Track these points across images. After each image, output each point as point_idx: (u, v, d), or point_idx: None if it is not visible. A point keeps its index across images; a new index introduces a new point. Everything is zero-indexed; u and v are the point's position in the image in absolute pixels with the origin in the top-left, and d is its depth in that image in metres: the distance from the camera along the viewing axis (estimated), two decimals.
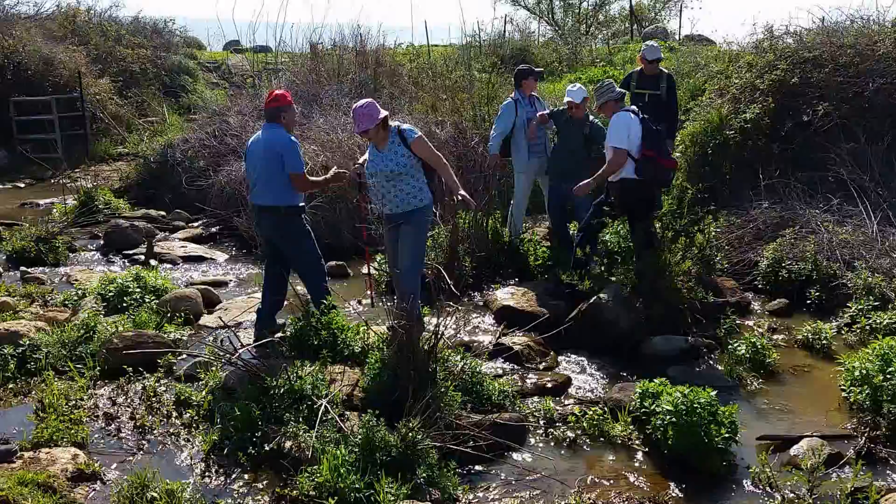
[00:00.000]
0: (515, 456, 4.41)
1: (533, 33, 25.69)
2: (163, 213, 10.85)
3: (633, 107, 6.50)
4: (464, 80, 11.58)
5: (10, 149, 15.35)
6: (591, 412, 4.77)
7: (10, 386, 5.24)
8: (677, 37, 22.51)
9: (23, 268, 8.09)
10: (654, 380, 4.77)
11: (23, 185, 13.88)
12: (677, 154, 8.70)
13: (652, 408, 4.55)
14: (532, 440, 4.65)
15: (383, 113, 5.49)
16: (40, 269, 8.17)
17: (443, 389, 4.52)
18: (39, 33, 18.10)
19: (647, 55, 8.40)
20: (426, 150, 5.58)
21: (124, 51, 19.21)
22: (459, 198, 5.61)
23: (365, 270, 7.58)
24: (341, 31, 14.37)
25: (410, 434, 4.04)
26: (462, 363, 4.99)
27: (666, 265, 6.17)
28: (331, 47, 14.20)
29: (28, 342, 5.58)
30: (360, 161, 5.93)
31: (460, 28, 14.97)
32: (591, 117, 7.47)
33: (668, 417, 4.34)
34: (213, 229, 10.05)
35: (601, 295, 6.16)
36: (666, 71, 8.71)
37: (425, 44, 16.44)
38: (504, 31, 16.11)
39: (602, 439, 4.61)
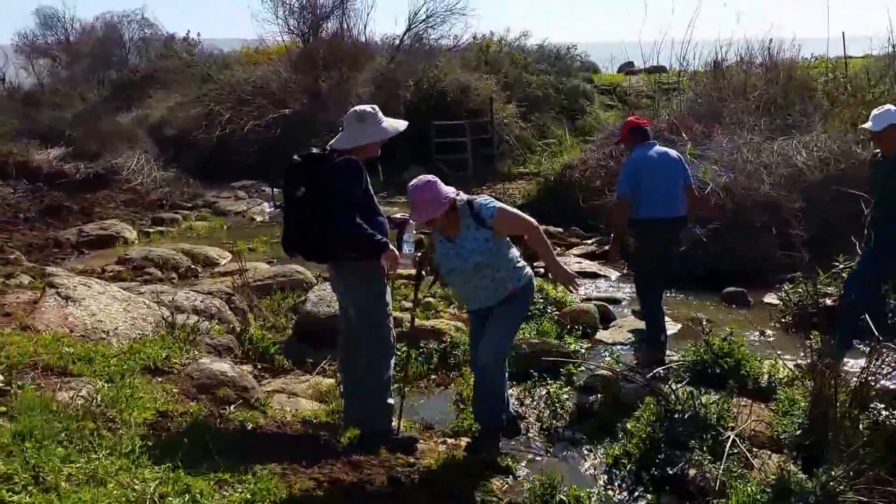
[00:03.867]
0: None
1: None
2: (560, 229, 11.41)
3: None
4: (890, 94, 10.23)
5: (430, 167, 17.51)
6: None
7: (433, 377, 5.88)
8: None
9: None
10: None
11: None
12: None
13: None
14: None
15: (450, 192, 4.23)
16: None
17: (866, 440, 4.01)
18: (458, 63, 20.42)
19: None
20: (511, 224, 4.36)
21: (529, 78, 20.73)
22: (558, 283, 4.64)
23: (768, 299, 7.11)
24: (749, 46, 13.65)
25: (832, 483, 3.66)
26: (890, 413, 4.38)
27: None
28: (736, 62, 13.62)
29: (449, 339, 6.20)
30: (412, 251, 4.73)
31: (888, 38, 13.21)
32: None
33: None
34: (606, 247, 10.25)
35: None
36: None
37: (841, 56, 14.93)
38: None
39: None
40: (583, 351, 6.23)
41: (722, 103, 11.51)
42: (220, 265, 9.33)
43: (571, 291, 4.69)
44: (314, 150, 4.43)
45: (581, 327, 6.64)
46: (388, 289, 4.50)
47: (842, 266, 6.78)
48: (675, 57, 15.25)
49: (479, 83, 19.03)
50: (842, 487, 3.66)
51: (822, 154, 8.65)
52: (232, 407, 4.58)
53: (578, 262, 9.61)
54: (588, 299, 7.76)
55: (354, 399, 4.50)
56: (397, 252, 4.37)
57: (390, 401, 4.48)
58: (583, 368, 5.73)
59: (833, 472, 3.70)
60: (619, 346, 6.44)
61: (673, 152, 6.25)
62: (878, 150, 5.64)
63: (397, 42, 21.74)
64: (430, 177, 4.23)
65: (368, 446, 4.24)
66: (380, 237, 4.20)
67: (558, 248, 10.42)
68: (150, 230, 12.49)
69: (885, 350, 4.52)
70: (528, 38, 23.87)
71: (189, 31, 29.18)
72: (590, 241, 10.77)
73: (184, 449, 3.65)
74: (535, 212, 12.28)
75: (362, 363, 4.39)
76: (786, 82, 11.99)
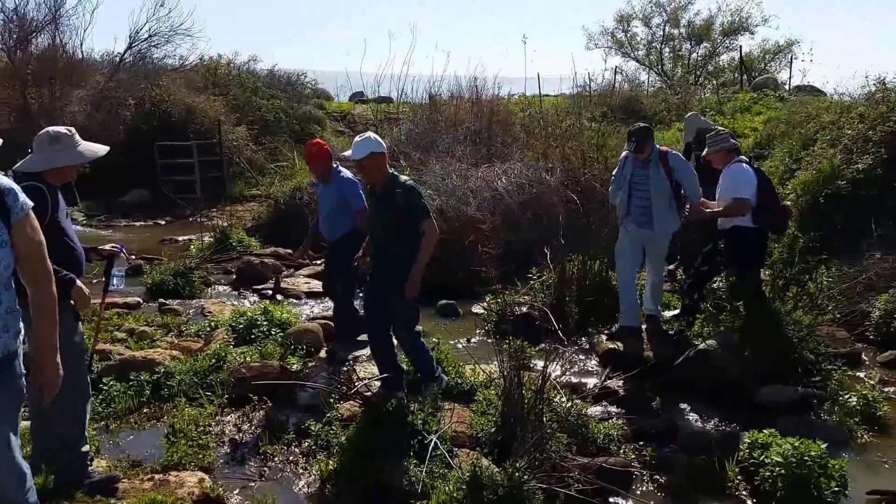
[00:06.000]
0: (620, 501, 4.42)
1: (642, 83, 26.12)
2: (290, 251, 11.47)
3: (744, 157, 6.47)
4: (573, 129, 11.81)
5: (154, 189, 16.73)
6: (697, 460, 4.76)
7: (145, 410, 5.55)
8: (787, 87, 22.16)
9: (161, 299, 8.70)
10: (764, 430, 4.71)
11: (163, 223, 15.06)
12: (788, 202, 8.58)
13: (761, 458, 4.50)
14: (637, 486, 4.65)
15: None
16: (177, 301, 8.78)
17: (549, 431, 4.56)
18: (184, 84, 19.76)
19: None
20: (31, 246, 2.92)
21: (260, 101, 20.65)
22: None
23: (476, 310, 7.83)
24: (458, 82, 15.07)
25: (517, 474, 4.06)
26: (568, 405, 5.05)
27: (777, 314, 6.07)
28: (448, 98, 14.82)
29: (163, 370, 5.93)
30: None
31: (572, 79, 15.43)
32: (400, 178, 5.21)
33: (777, 469, 4.29)
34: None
35: (709, 342, 6.11)
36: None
37: (537, 94, 16.93)
38: (614, 82, 16.35)
39: (708, 488, 4.57)
40: (306, 370, 6.29)
41: (436, 133, 12.46)
42: None
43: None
44: None
45: (305, 346, 6.77)
46: (79, 325, 4.14)
47: (535, 278, 7.72)
48: (395, 89, 16.25)
49: (207, 105, 18.59)
50: (526, 477, 4.07)
51: (519, 180, 9.76)
52: None
53: (307, 283, 9.80)
54: (313, 318, 7.95)
55: (46, 442, 4.14)
56: (83, 288, 3.92)
57: (85, 448, 4.20)
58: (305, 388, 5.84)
59: (518, 464, 4.11)
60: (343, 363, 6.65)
61: None
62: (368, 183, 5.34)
63: (118, 60, 20.52)
64: None
65: (63, 491, 3.97)
66: (64, 273, 3.77)
67: (289, 270, 10.52)
68: None
69: (559, 351, 5.26)
70: (258, 62, 23.82)
71: None
72: (318, 262, 10.97)
73: None
74: (266, 233, 12.46)
75: (54, 406, 3.88)
76: (489, 116, 13.34)
